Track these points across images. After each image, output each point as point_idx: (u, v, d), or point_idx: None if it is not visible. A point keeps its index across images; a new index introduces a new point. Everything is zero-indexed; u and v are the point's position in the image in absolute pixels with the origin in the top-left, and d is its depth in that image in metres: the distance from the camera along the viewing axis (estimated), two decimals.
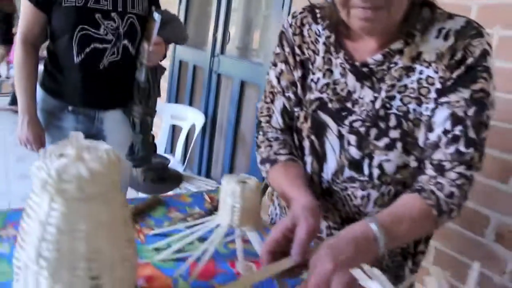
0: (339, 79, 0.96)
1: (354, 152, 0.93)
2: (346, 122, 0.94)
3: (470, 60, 0.85)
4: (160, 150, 3.12)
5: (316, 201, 0.82)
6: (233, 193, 0.80)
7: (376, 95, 0.91)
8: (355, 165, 0.94)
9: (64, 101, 1.81)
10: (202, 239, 0.85)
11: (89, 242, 0.56)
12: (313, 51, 1.00)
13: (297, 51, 1.02)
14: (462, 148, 0.83)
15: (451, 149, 0.84)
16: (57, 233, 0.55)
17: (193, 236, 0.85)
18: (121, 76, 1.86)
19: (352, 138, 0.93)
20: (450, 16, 0.90)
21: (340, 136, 0.95)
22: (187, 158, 2.97)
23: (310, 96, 0.99)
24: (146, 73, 1.86)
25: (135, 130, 1.90)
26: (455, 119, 0.84)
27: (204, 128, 3.12)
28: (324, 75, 0.97)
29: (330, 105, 0.96)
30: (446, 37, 0.87)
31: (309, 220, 0.74)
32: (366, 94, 0.92)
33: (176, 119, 3.15)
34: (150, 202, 1.05)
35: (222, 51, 3.05)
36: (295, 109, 1.03)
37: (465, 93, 0.84)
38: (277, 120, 1.05)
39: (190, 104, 3.43)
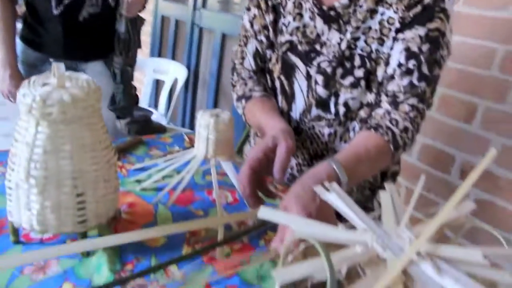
0: (308, 23, 1.01)
1: (321, 91, 0.99)
2: (314, 63, 0.99)
3: (427, 0, 0.89)
4: (144, 105, 3.15)
5: (291, 128, 0.87)
6: (207, 125, 0.86)
7: (342, 37, 0.96)
8: (322, 103, 1.00)
9: (45, 53, 1.84)
10: (180, 171, 0.92)
11: (73, 161, 0.63)
12: None
13: None
14: (415, 81, 0.89)
15: (405, 81, 0.89)
16: (44, 154, 0.61)
17: (172, 168, 0.92)
18: (101, 28, 1.88)
19: (320, 78, 0.99)
20: None
21: (308, 77, 1.01)
22: (170, 111, 3.02)
23: (281, 38, 1.04)
24: (126, 24, 1.88)
25: (116, 81, 1.93)
26: (410, 54, 0.89)
27: (187, 82, 3.15)
28: (294, 19, 1.02)
29: (299, 47, 1.01)
30: None
31: (288, 140, 0.79)
32: (333, 36, 0.97)
33: (158, 73, 3.17)
34: (132, 141, 1.11)
35: (204, 4, 3.04)
36: (267, 52, 1.08)
37: (421, 31, 0.89)
38: (250, 62, 1.11)
39: (173, 58, 3.44)
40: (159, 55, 3.65)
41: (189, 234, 0.76)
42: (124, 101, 1.95)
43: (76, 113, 0.61)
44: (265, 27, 1.07)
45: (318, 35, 1.00)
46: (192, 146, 1.16)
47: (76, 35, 1.83)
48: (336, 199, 0.51)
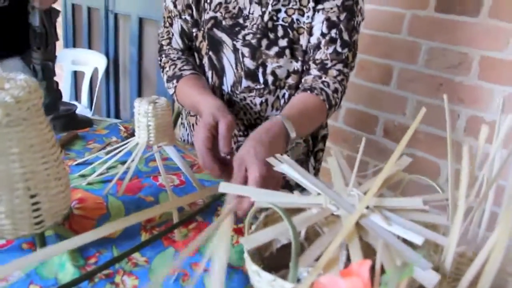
0: None
1: (249, 62, 1.04)
2: (240, 36, 1.04)
3: None
4: (65, 99, 3.03)
5: (224, 104, 0.91)
6: (146, 112, 0.87)
7: (264, 9, 1.01)
8: (251, 75, 1.06)
9: None
10: (124, 162, 0.93)
11: (24, 163, 0.62)
12: None
13: None
14: (339, 48, 0.99)
15: (330, 49, 0.99)
16: None
17: (115, 159, 0.93)
18: (13, 23, 1.80)
19: (246, 50, 1.04)
20: None
21: (235, 50, 1.05)
22: (93, 103, 2.93)
23: (205, 16, 1.07)
24: (40, 17, 1.79)
25: (37, 77, 1.85)
26: (330, 23, 0.99)
27: (107, 71, 3.07)
28: None
29: (223, 22, 1.05)
30: None
31: (226, 116, 0.82)
32: (255, 10, 1.02)
33: (77, 65, 3.05)
34: (68, 137, 1.10)
35: None
36: (193, 30, 1.11)
37: (337, 1, 0.98)
38: (177, 41, 1.13)
39: (89, 47, 3.32)
40: (74, 45, 3.51)
41: (144, 221, 0.78)
42: (49, 98, 1.87)
43: (21, 114, 0.61)
44: (188, 6, 1.09)
45: (240, 9, 1.04)
46: (128, 134, 1.17)
47: None
48: (289, 168, 0.55)
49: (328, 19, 0.98)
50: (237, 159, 0.73)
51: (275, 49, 1.03)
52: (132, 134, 1.11)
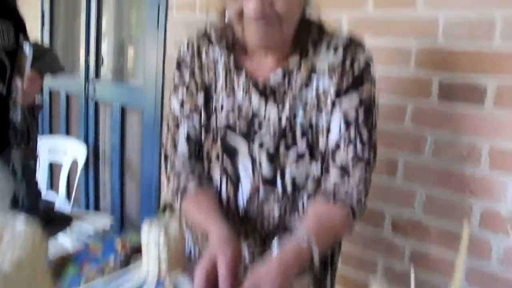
0: (243, 100, 0.99)
1: (266, 169, 0.98)
2: (256, 141, 0.98)
3: (357, 70, 0.95)
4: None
5: (231, 231, 0.85)
6: (157, 243, 0.76)
7: (280, 112, 0.97)
8: (269, 181, 0.99)
9: None
10: None
11: None
12: (214, 74, 1.02)
13: (197, 74, 1.03)
14: (359, 149, 0.94)
15: (350, 151, 0.94)
16: None
17: None
18: None
19: (263, 156, 0.98)
20: (335, 32, 0.99)
21: (252, 156, 0.99)
22: (72, 195, 2.77)
23: (217, 120, 1.00)
24: (22, 113, 1.70)
25: (16, 178, 1.72)
26: (349, 123, 0.94)
27: (87, 159, 2.94)
28: (227, 98, 0.99)
29: (237, 127, 0.99)
30: (335, 51, 0.96)
31: (226, 253, 0.76)
32: (271, 112, 0.97)
33: (54, 154, 2.91)
34: (59, 262, 0.97)
35: (97, 75, 2.89)
36: (202, 135, 1.03)
37: (355, 99, 0.95)
38: (183, 148, 1.04)
39: (67, 134, 3.19)
40: (50, 131, 3.35)
41: None
42: (28, 201, 1.73)
43: (21, 279, 0.49)
44: (196, 107, 1.03)
45: (254, 113, 0.98)
46: (125, 252, 1.04)
47: None
48: None
49: (346, 119, 0.94)
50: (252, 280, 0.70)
51: (293, 153, 0.97)
52: (130, 253, 0.99)
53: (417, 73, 1.42)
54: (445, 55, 1.38)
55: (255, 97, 0.98)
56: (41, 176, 2.89)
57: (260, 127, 0.98)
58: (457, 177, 1.41)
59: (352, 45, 0.96)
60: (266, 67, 0.98)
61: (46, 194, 2.86)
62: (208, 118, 1.02)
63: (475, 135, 1.36)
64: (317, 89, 0.96)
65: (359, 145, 0.94)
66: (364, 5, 1.48)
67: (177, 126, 1.04)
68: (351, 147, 0.94)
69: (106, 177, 3.02)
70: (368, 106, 0.95)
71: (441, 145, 1.42)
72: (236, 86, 0.99)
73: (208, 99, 1.02)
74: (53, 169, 3.19)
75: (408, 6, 1.40)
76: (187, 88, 1.03)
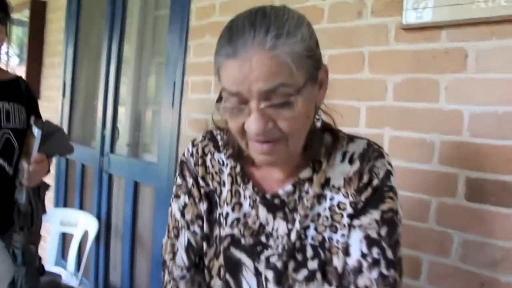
0: (250, 212, 0.91)
1: None
2: (262, 257, 0.89)
3: (376, 182, 0.86)
4: (50, 262, 2.79)
5: None
6: None
7: (290, 226, 0.88)
8: None
9: None
10: None
11: None
12: (219, 183, 0.95)
13: (201, 182, 0.95)
14: (384, 270, 0.83)
15: (374, 273, 0.83)
16: None
17: None
18: None
19: (270, 274, 0.88)
20: (351, 139, 0.91)
21: (257, 273, 0.89)
22: (81, 269, 2.68)
23: (221, 232, 0.92)
24: (27, 194, 1.65)
25: (16, 262, 1.64)
26: (370, 241, 0.84)
27: (98, 232, 2.86)
28: (233, 209, 0.92)
29: (243, 240, 0.90)
30: (351, 161, 0.88)
31: None
32: (280, 226, 0.89)
33: (66, 226, 2.86)
34: None
35: (112, 149, 2.87)
36: (203, 245, 0.95)
37: (375, 214, 0.85)
38: (182, 257, 0.96)
39: (81, 207, 3.16)
40: (65, 204, 3.34)
41: None
42: (27, 286, 1.65)
43: None
44: (198, 216, 0.95)
45: (262, 225, 0.90)
46: None
47: None
48: None
49: (367, 237, 0.84)
50: None
51: (304, 273, 0.86)
52: None
53: (441, 168, 1.32)
54: (471, 149, 1.29)
55: (263, 211, 0.90)
56: (51, 247, 2.83)
57: (267, 242, 0.89)
58: (490, 285, 1.27)
59: (370, 153, 0.89)
60: (275, 179, 0.91)
61: (54, 266, 2.79)
62: (211, 229, 0.94)
63: (509, 239, 1.24)
64: (331, 205, 0.87)
65: (383, 265, 0.83)
66: (383, 96, 1.41)
67: (177, 235, 0.97)
68: (375, 269, 0.83)
69: (116, 250, 2.93)
70: (391, 223, 0.86)
71: (469, 248, 1.30)
72: (242, 198, 0.92)
73: (211, 208, 0.95)
74: (65, 240, 3.13)
75: (431, 101, 1.33)
76: (189, 195, 0.96)
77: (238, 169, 0.93)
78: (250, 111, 0.75)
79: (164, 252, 0.98)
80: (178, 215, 0.96)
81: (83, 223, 2.78)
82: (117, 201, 2.91)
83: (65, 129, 3.29)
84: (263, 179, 0.92)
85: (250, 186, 0.91)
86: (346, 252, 0.86)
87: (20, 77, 1.81)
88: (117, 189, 2.91)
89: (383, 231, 0.84)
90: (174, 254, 0.96)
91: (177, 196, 0.98)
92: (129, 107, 3.00)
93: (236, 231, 0.91)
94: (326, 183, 0.88)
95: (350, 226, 0.86)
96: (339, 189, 0.87)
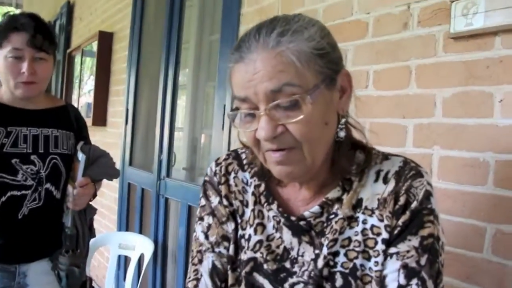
0: (273, 234, 0.84)
1: None
2: (286, 285, 0.81)
3: (414, 204, 0.77)
4: (110, 283, 2.85)
5: None
6: None
7: (317, 251, 0.80)
8: None
9: None
10: None
11: None
12: (241, 202, 0.89)
13: (225, 202, 0.90)
14: None
15: None
16: None
17: None
18: (45, 223, 1.68)
19: None
20: (386, 157, 0.83)
21: None
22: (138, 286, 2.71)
23: (242, 255, 0.86)
24: (73, 217, 1.67)
25: (61, 284, 1.66)
26: (409, 272, 0.75)
27: (155, 255, 2.90)
28: (255, 231, 0.85)
29: (265, 265, 0.83)
30: (385, 180, 0.80)
31: None
32: (306, 251, 0.81)
33: (124, 249, 2.92)
34: None
35: (168, 173, 2.91)
36: (228, 268, 0.88)
37: (414, 241, 0.76)
38: (206, 283, 0.89)
39: (140, 230, 3.22)
40: (127, 228, 3.42)
41: None
42: None
43: None
44: (224, 237, 0.89)
45: (286, 250, 0.83)
46: None
47: (15, 235, 1.61)
48: None
49: (405, 266, 0.75)
50: None
51: None
52: None
53: (497, 191, 1.16)
54: None
55: (287, 234, 0.83)
56: (111, 269, 2.90)
57: (292, 268, 0.82)
58: None
59: (407, 171, 0.79)
60: (301, 199, 0.84)
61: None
62: (236, 251, 0.88)
63: None
64: (363, 229, 0.79)
65: None
66: (432, 112, 1.28)
67: (200, 260, 0.91)
68: None
69: (172, 275, 2.93)
70: (432, 250, 0.76)
71: None
72: (266, 219, 0.85)
73: (237, 228, 0.89)
74: (125, 262, 3.19)
75: (484, 116, 1.18)
76: (213, 216, 0.91)
77: (262, 188, 0.87)
78: (259, 116, 0.72)
79: (188, 280, 0.93)
80: (202, 237, 0.91)
81: (140, 246, 2.82)
82: (173, 225, 2.93)
83: (127, 154, 3.41)
84: (288, 199, 0.86)
85: (274, 206, 0.85)
86: (382, 283, 0.77)
87: (69, 104, 1.87)
88: (174, 212, 2.93)
89: (423, 260, 0.75)
90: (197, 280, 0.90)
91: (201, 219, 0.93)
92: (186, 132, 3.03)
93: (258, 255, 0.84)
94: (358, 205, 0.80)
95: (386, 254, 0.77)
96: (372, 211, 0.79)
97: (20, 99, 1.62)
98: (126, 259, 3.19)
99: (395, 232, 0.77)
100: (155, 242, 2.85)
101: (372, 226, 0.78)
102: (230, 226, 0.89)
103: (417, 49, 1.32)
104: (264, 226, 0.85)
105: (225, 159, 0.95)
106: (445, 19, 1.24)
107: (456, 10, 1.20)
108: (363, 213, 0.79)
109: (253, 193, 0.88)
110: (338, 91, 0.77)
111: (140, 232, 3.21)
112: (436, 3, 1.26)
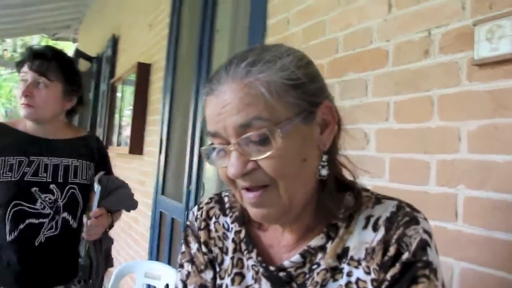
0: (252, 286, 0.77)
1: None
2: None
3: (406, 255, 0.67)
4: None
5: None
6: None
7: None
8: None
9: None
10: None
11: None
12: (221, 249, 0.82)
13: (204, 248, 0.84)
14: None
15: None
16: None
17: None
18: (61, 252, 1.68)
19: None
20: (379, 200, 0.73)
21: None
22: None
23: None
24: (87, 247, 1.66)
25: None
26: None
27: None
28: (233, 282, 0.78)
29: None
30: (375, 228, 0.70)
31: None
32: None
33: (150, 278, 2.88)
34: None
35: (196, 204, 2.86)
36: None
37: None
38: None
39: (169, 259, 3.17)
40: (158, 257, 3.40)
41: None
42: None
43: None
44: (202, 286, 0.82)
45: None
46: None
47: (32, 261, 1.62)
48: None
49: None
50: None
51: None
52: None
53: None
54: None
55: (266, 286, 0.75)
56: None
57: None
58: None
59: (400, 218, 0.70)
60: (283, 245, 0.77)
61: None
62: None
63: None
64: (347, 282, 0.70)
65: None
66: (456, 148, 1.16)
67: None
68: None
69: None
70: None
71: None
72: (245, 268, 0.79)
73: (213, 279, 0.83)
74: None
75: None
76: (192, 263, 0.85)
77: (242, 234, 0.81)
78: (229, 151, 0.67)
79: None
80: (180, 286, 0.85)
81: (165, 276, 2.77)
82: None
83: (160, 183, 3.40)
84: (270, 245, 0.79)
85: (254, 254, 0.78)
86: None
87: (91, 134, 1.88)
88: None
89: None
90: None
91: (181, 266, 0.87)
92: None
93: None
94: (343, 254, 0.71)
95: None
96: (359, 262, 0.70)
97: (37, 128, 1.64)
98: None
99: (383, 287, 0.67)
100: None
101: (358, 279, 0.69)
102: (209, 275, 0.83)
103: (439, 78, 1.22)
104: (243, 276, 0.79)
105: (207, 203, 0.89)
106: (468, 45, 1.14)
107: (480, 34, 1.10)
108: (349, 264, 0.71)
109: (233, 240, 0.82)
110: (318, 125, 0.70)
111: (169, 261, 3.16)
112: (458, 27, 1.16)
